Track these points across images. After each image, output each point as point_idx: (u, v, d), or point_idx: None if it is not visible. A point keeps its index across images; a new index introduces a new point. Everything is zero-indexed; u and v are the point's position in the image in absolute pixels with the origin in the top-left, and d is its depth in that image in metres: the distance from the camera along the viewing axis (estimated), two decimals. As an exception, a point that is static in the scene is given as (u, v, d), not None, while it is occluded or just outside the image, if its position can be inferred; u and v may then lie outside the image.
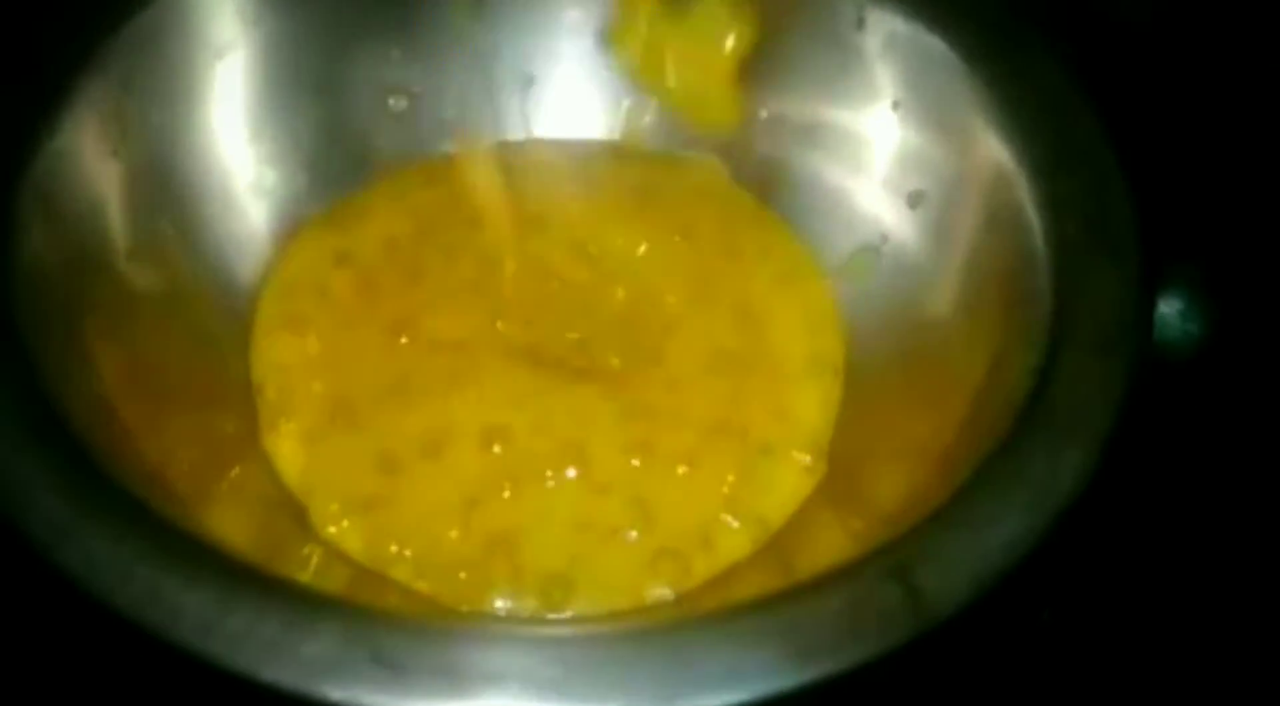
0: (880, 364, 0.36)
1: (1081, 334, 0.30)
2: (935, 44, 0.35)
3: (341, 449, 0.33)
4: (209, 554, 0.26)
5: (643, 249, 0.38)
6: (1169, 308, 0.39)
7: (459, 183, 0.38)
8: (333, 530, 0.32)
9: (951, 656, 0.32)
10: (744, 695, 0.24)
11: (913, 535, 0.27)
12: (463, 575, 0.31)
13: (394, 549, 0.32)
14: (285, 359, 0.35)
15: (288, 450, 0.34)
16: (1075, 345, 0.30)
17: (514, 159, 0.39)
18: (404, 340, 0.35)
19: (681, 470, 0.34)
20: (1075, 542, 0.28)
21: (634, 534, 0.33)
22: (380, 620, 0.25)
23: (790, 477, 0.34)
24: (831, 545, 0.32)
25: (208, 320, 0.35)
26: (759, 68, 0.39)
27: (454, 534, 0.32)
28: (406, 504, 0.33)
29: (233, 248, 0.37)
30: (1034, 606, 0.34)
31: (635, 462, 0.34)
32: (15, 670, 0.32)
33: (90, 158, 0.33)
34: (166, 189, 0.35)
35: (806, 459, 0.34)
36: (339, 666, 0.24)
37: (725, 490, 0.33)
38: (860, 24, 0.37)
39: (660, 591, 0.32)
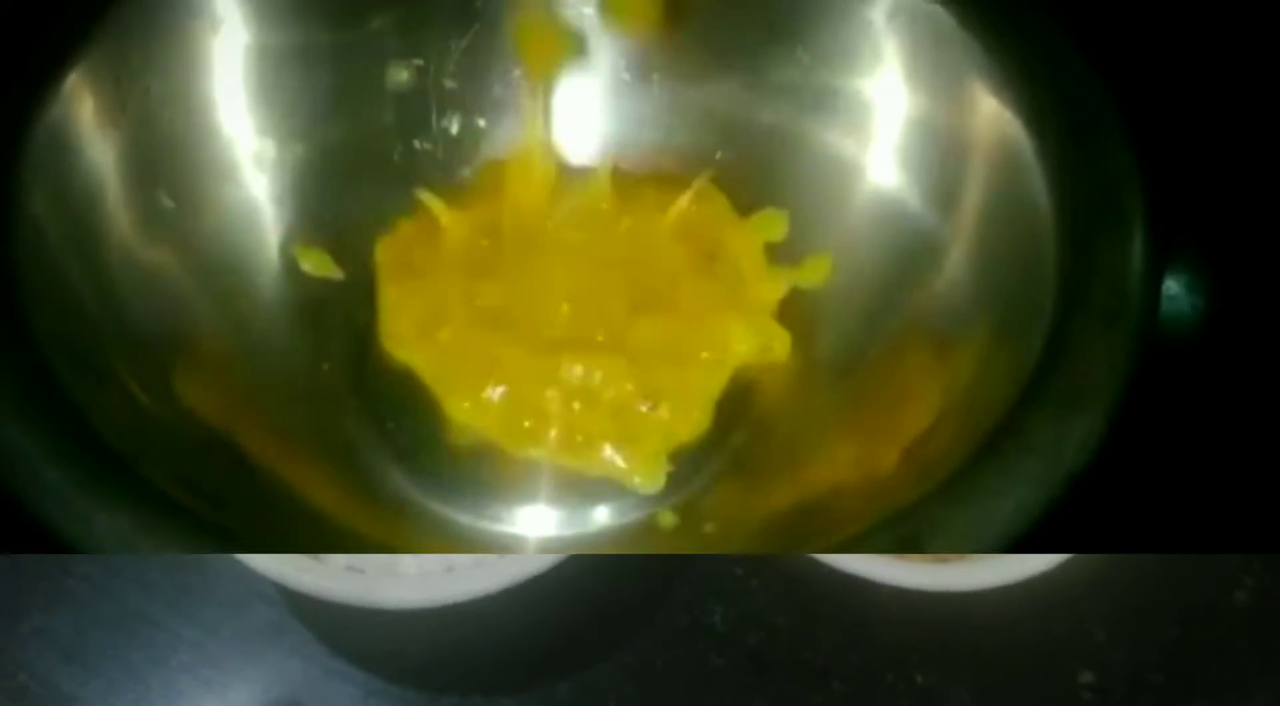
0: (884, 332, 0.36)
1: (1089, 303, 0.30)
2: (941, 14, 0.35)
3: (460, 354, 0.38)
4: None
5: (640, 241, 0.39)
6: (1176, 281, 0.39)
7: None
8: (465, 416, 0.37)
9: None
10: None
11: (920, 506, 0.27)
12: (527, 423, 0.37)
13: (525, 424, 0.37)
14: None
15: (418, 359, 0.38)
16: (1083, 315, 0.30)
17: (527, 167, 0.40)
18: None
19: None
20: (1083, 513, 0.28)
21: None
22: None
23: None
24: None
25: (216, 293, 0.35)
26: (766, 38, 0.38)
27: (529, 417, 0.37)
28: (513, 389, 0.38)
29: (232, 218, 0.37)
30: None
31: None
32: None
33: (89, 131, 0.33)
34: (166, 160, 0.35)
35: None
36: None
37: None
38: (867, -6, 0.36)
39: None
